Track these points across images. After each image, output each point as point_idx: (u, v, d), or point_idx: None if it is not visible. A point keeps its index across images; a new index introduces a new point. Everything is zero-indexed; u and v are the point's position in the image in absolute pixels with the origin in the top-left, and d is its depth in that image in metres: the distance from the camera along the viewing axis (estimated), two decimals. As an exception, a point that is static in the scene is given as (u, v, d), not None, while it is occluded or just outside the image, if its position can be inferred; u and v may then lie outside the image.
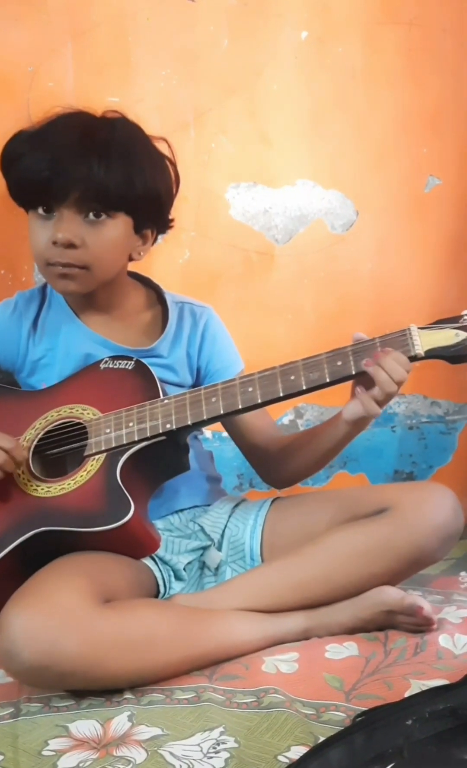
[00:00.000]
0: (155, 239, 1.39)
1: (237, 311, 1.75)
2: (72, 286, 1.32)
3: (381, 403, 1.20)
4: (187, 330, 1.42)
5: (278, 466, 1.41)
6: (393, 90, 1.82)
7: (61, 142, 1.27)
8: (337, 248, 1.82)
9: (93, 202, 1.27)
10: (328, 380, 1.17)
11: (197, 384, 1.42)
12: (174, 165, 1.36)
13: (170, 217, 1.39)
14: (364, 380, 1.19)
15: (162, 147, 1.35)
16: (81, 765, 0.91)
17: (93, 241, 1.28)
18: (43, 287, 1.45)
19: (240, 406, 1.20)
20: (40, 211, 1.29)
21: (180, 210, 1.59)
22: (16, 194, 1.32)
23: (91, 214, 1.28)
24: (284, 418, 1.84)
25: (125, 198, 1.28)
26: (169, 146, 1.36)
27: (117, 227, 1.30)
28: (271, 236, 1.77)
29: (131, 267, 1.44)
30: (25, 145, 1.29)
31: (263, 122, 1.74)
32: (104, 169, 1.25)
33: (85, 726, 1.00)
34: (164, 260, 1.69)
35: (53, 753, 0.94)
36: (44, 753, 0.94)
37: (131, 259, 1.38)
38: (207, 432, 1.73)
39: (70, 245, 1.27)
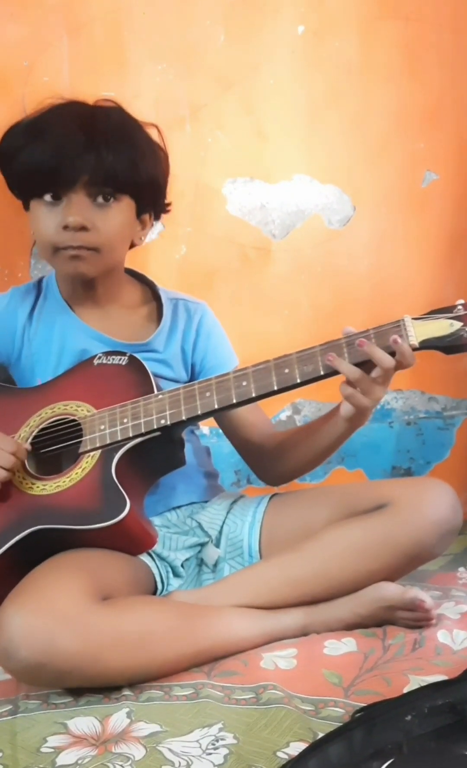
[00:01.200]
0: (152, 225, 1.41)
1: (234, 306, 1.75)
2: (82, 267, 1.32)
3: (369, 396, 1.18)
4: (181, 326, 1.42)
5: (274, 462, 1.41)
6: (389, 85, 1.81)
7: (66, 129, 1.28)
8: (334, 243, 1.82)
9: (102, 186, 1.29)
10: (322, 373, 1.16)
11: (191, 380, 1.42)
12: (165, 151, 1.39)
13: (167, 201, 1.41)
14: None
15: (152, 134, 1.38)
16: (80, 762, 0.91)
17: (102, 224, 1.30)
18: (39, 282, 1.46)
19: (235, 400, 1.20)
20: (47, 198, 1.29)
21: (177, 205, 1.59)
22: (21, 184, 1.33)
23: (99, 198, 1.29)
24: (281, 414, 1.84)
25: (131, 181, 1.31)
26: (159, 132, 1.38)
27: (122, 211, 1.32)
28: (268, 231, 1.77)
29: (129, 263, 1.44)
30: (25, 137, 1.31)
31: (260, 117, 1.73)
32: (112, 153, 1.28)
33: (84, 723, 1.00)
34: (160, 256, 1.69)
35: (52, 750, 0.94)
36: (43, 750, 0.94)
37: (131, 245, 1.39)
38: (204, 428, 1.73)
39: (82, 228, 1.28)
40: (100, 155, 1.27)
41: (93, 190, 1.28)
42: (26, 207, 1.37)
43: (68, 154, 1.26)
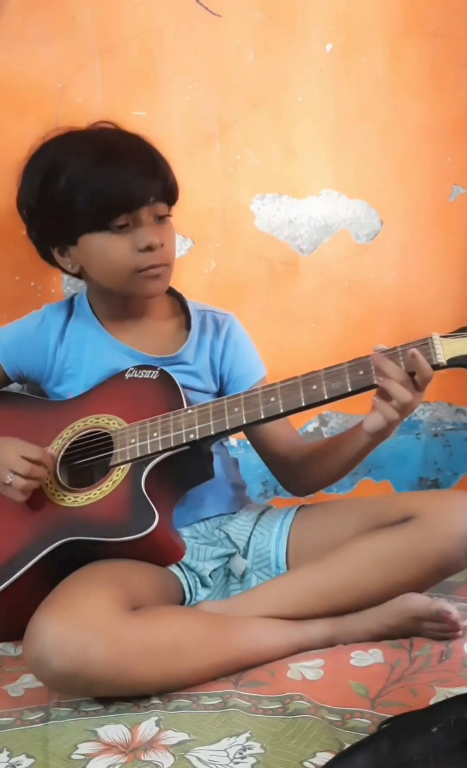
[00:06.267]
0: None
1: (262, 320, 1.76)
2: (161, 284, 1.37)
3: (401, 412, 1.18)
4: (209, 337, 1.44)
5: (299, 474, 1.42)
6: (417, 100, 1.82)
7: (123, 156, 1.33)
8: (361, 258, 1.83)
9: (164, 204, 1.34)
10: (350, 390, 1.17)
11: (221, 390, 1.44)
12: None
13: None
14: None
15: None
16: (110, 769, 0.93)
17: (167, 239, 1.35)
18: (71, 299, 1.48)
19: (263, 416, 1.21)
20: (113, 226, 1.31)
21: (206, 221, 1.61)
22: (85, 220, 1.32)
23: (157, 216, 1.34)
24: (308, 425, 1.85)
25: (176, 197, 1.37)
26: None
27: (171, 224, 1.38)
28: (296, 246, 1.78)
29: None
30: (75, 175, 1.31)
31: (288, 134, 1.75)
32: (168, 173, 1.35)
33: (114, 730, 1.01)
34: (190, 271, 1.71)
35: (83, 757, 0.96)
36: (74, 757, 0.96)
37: None
38: (232, 440, 1.74)
39: (161, 246, 1.33)
40: (165, 176, 1.34)
41: (155, 209, 1.33)
42: (55, 245, 1.39)
43: (139, 180, 1.30)
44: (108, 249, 1.33)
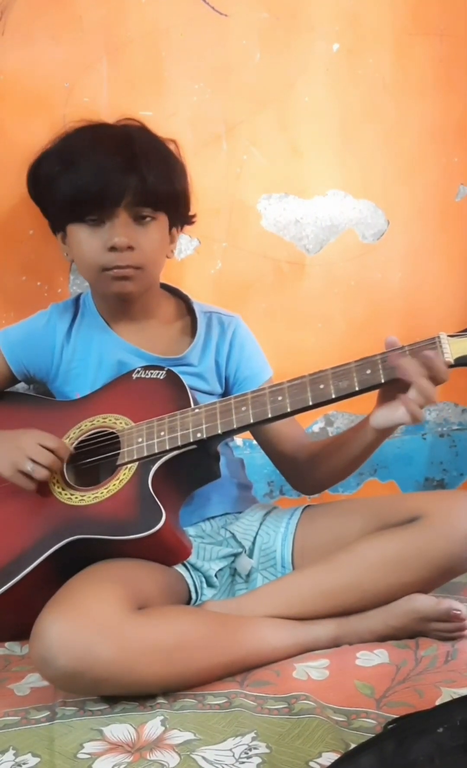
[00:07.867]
0: (178, 237, 1.45)
1: (268, 320, 1.76)
2: (129, 286, 1.36)
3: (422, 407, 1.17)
4: (215, 339, 1.44)
5: (307, 473, 1.42)
6: (423, 100, 1.82)
7: (106, 152, 1.32)
8: (368, 257, 1.83)
9: (143, 206, 1.32)
10: (357, 389, 1.17)
11: (226, 392, 1.44)
12: (184, 164, 1.43)
13: (191, 213, 1.44)
14: (396, 388, 1.17)
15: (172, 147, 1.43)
16: (116, 768, 0.93)
17: (144, 242, 1.33)
18: (77, 299, 1.49)
19: (270, 415, 1.21)
20: (90, 221, 1.33)
21: (212, 221, 1.61)
22: (63, 209, 1.35)
23: (139, 217, 1.33)
24: (314, 425, 1.85)
25: (167, 197, 1.35)
26: (176, 146, 1.42)
27: (160, 227, 1.36)
28: (302, 246, 1.78)
29: (165, 277, 1.46)
30: (61, 162, 1.34)
31: (295, 134, 1.75)
32: (152, 173, 1.32)
33: (119, 730, 1.01)
34: (196, 271, 1.71)
35: (88, 756, 0.96)
36: (79, 756, 0.96)
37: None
38: (238, 440, 1.74)
39: (128, 248, 1.31)
40: (142, 176, 1.31)
41: (135, 210, 1.32)
42: (56, 231, 1.41)
43: (112, 177, 1.30)
44: (83, 243, 1.34)
